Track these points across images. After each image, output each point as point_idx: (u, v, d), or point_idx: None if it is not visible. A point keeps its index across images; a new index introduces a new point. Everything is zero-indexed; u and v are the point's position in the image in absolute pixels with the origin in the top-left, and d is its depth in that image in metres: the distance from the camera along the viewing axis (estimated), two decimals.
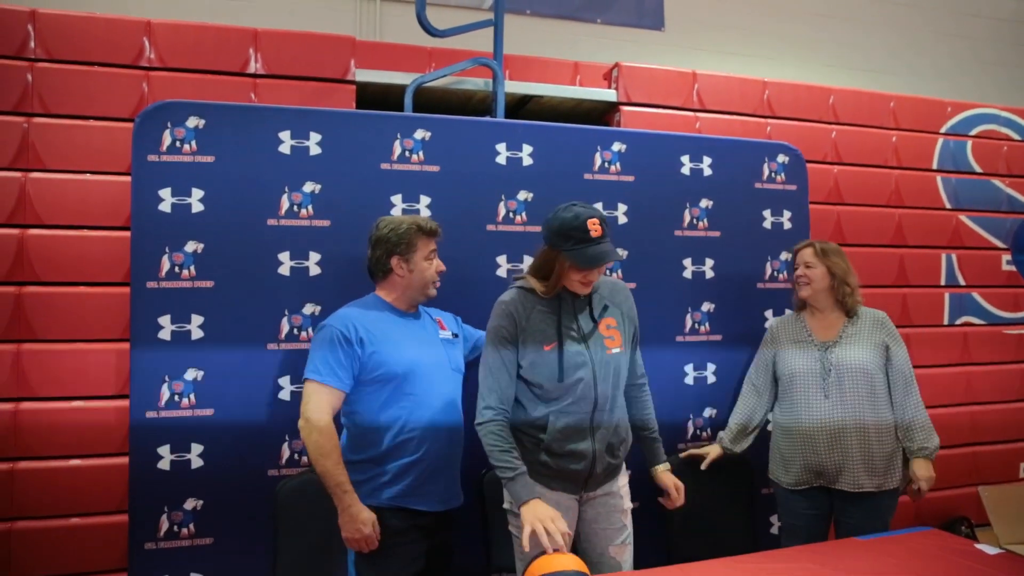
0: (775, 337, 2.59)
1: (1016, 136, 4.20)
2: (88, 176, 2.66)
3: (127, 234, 2.29)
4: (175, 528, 2.20)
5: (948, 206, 4.01)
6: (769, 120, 3.68)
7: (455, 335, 2.24)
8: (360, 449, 2.01)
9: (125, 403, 2.27)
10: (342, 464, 1.91)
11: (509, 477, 1.84)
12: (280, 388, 2.30)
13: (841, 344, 2.45)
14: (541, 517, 1.72)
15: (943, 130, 4.05)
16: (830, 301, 2.51)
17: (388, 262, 2.09)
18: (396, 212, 2.41)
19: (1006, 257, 4.04)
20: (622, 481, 2.07)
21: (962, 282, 3.98)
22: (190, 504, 2.22)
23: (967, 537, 3.42)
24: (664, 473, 2.17)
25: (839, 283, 2.48)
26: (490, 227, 2.50)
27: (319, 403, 1.93)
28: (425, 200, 2.45)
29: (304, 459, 2.30)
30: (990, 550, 1.98)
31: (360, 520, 1.89)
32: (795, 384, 2.46)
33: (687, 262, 2.74)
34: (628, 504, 2.07)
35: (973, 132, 4.11)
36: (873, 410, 2.38)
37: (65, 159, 2.65)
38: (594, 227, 1.86)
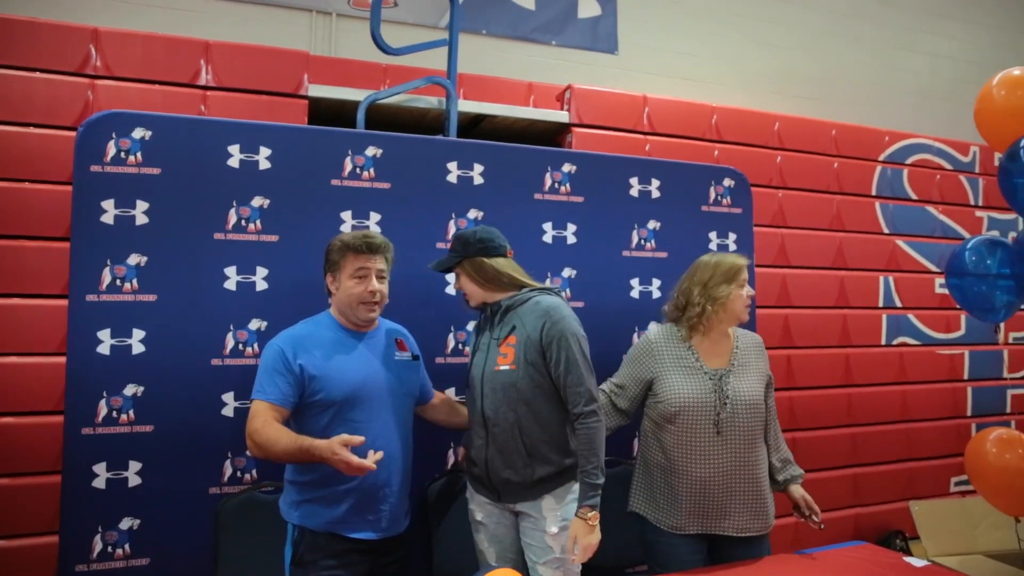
0: (656, 354, 2.22)
1: (948, 166, 4.42)
2: (26, 184, 2.58)
3: (66, 245, 2.24)
4: (109, 549, 2.13)
5: (886, 231, 4.18)
6: (717, 144, 3.79)
7: (415, 356, 2.17)
8: (301, 471, 1.95)
9: (59, 419, 2.19)
10: (290, 434, 1.82)
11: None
12: (224, 404, 2.26)
13: (734, 374, 2.18)
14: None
15: (881, 158, 4.23)
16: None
17: (325, 279, 2.06)
18: (346, 228, 2.41)
19: (939, 280, 4.23)
20: (545, 506, 2.02)
21: (899, 304, 4.15)
22: (126, 524, 2.15)
23: (901, 550, 3.55)
24: (575, 521, 1.97)
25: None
26: (440, 244, 2.51)
27: (256, 414, 1.87)
28: (375, 217, 2.45)
29: (246, 476, 2.27)
30: (917, 563, 2.07)
31: (328, 456, 1.73)
32: (684, 417, 2.12)
33: (634, 282, 2.80)
34: (552, 528, 2.00)
35: (909, 161, 4.30)
36: (760, 447, 2.20)
37: (2, 166, 2.57)
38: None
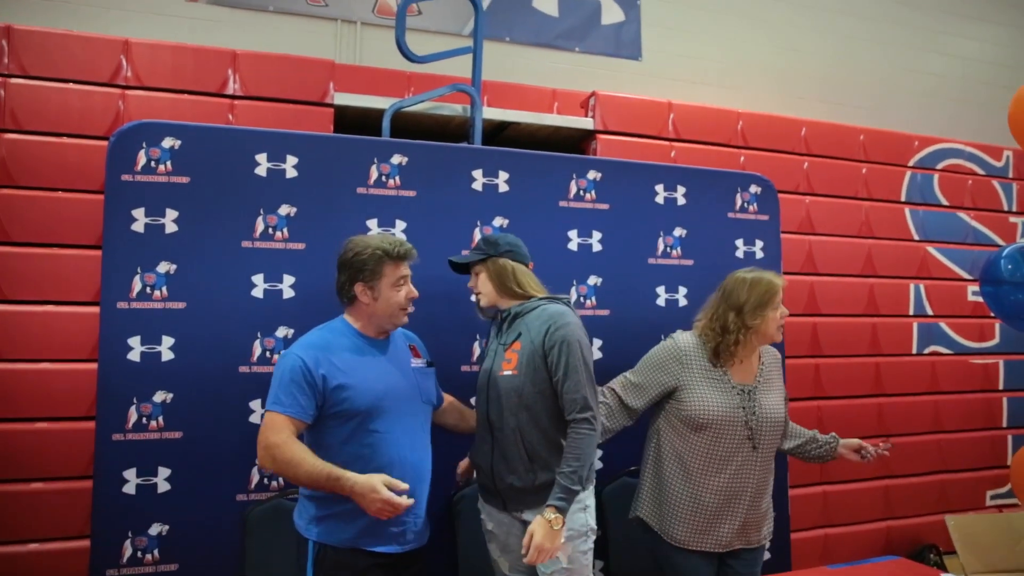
0: (685, 362, 2.18)
1: (980, 171, 4.33)
2: (60, 193, 2.63)
3: (98, 253, 2.27)
4: (139, 554, 2.15)
5: (916, 237, 4.10)
6: (743, 150, 3.75)
7: (430, 363, 2.12)
8: None
9: (91, 425, 2.22)
10: (318, 459, 1.78)
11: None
12: (251, 411, 2.27)
13: (760, 390, 2.18)
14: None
15: (911, 163, 4.16)
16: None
17: (352, 289, 1.96)
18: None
19: (972, 288, 4.14)
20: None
21: (930, 312, 4.06)
22: (155, 529, 2.18)
23: (935, 566, 3.47)
24: (537, 519, 1.90)
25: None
26: (465, 252, 2.49)
27: (275, 428, 1.81)
28: (401, 225, 2.46)
29: (274, 484, 2.28)
30: None
31: (367, 494, 1.73)
32: (714, 432, 2.10)
33: (660, 290, 2.78)
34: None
35: (939, 166, 4.22)
36: (774, 461, 2.22)
37: (37, 176, 2.62)
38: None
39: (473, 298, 2.17)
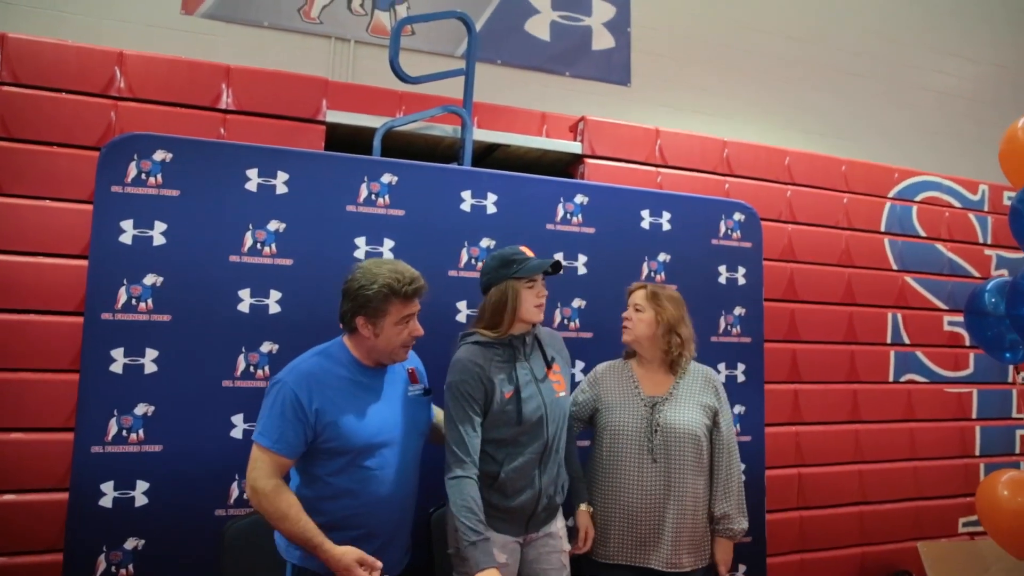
0: (599, 380, 2.34)
1: (957, 203, 4.43)
2: (47, 202, 2.62)
3: (83, 263, 2.27)
4: (113, 569, 2.13)
5: (894, 267, 4.18)
6: (728, 178, 3.81)
7: (427, 391, 2.06)
8: (308, 510, 1.84)
9: (69, 436, 2.21)
10: (303, 517, 1.77)
11: (471, 541, 1.86)
12: (233, 426, 2.27)
13: (671, 403, 2.23)
14: None
15: (890, 195, 4.25)
16: (657, 352, 2.28)
17: (354, 320, 1.88)
18: (359, 255, 2.43)
19: (948, 318, 4.22)
20: (560, 523, 2.16)
21: (907, 340, 4.13)
22: (131, 544, 2.15)
23: None
24: (582, 513, 2.23)
25: (666, 332, 2.25)
26: (452, 273, 2.53)
27: (264, 470, 1.78)
28: (389, 243, 2.48)
29: None
30: None
31: (341, 564, 1.75)
32: (618, 442, 2.20)
33: None
34: (566, 545, 2.15)
35: (918, 198, 4.32)
36: (696, 479, 2.19)
37: (24, 184, 2.61)
38: (526, 250, 2.08)
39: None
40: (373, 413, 1.90)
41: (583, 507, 2.22)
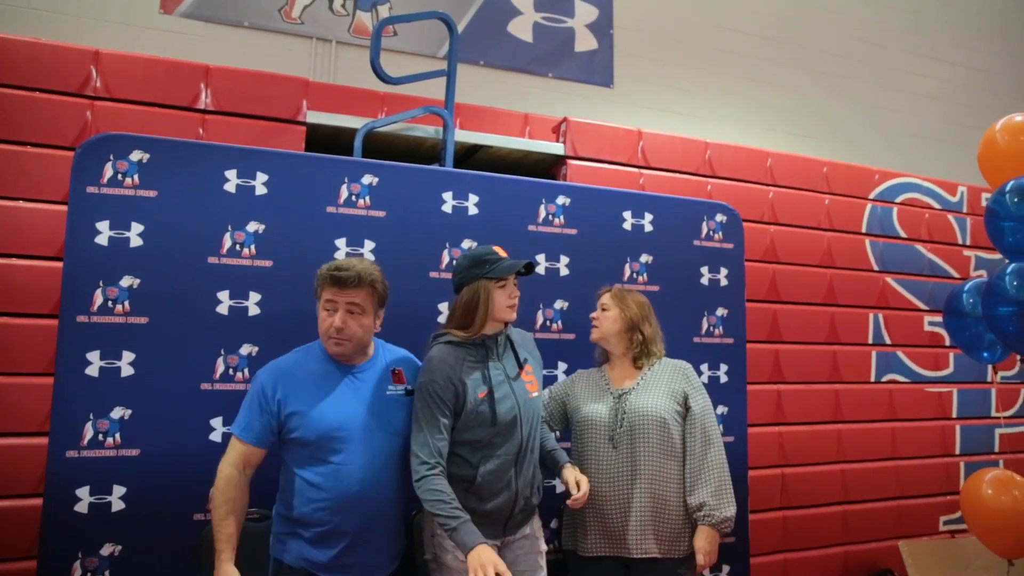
0: (574, 380, 2.46)
1: (936, 205, 4.48)
2: (21, 203, 2.58)
3: (57, 265, 2.23)
4: (88, 575, 2.09)
5: (876, 268, 4.22)
6: (710, 179, 3.83)
7: (409, 391, 2.03)
8: (285, 504, 1.93)
9: (43, 441, 2.17)
10: (228, 519, 1.83)
11: (453, 527, 1.85)
12: (212, 429, 2.24)
13: (636, 391, 2.29)
14: (485, 563, 1.75)
15: (871, 196, 4.29)
16: (622, 347, 2.37)
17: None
18: (340, 255, 2.41)
19: (928, 318, 4.26)
20: (537, 523, 2.16)
21: (888, 341, 4.17)
22: (107, 550, 2.12)
23: None
24: (568, 469, 2.17)
25: (630, 328, 2.34)
26: (433, 274, 2.52)
27: (230, 456, 1.89)
28: (369, 245, 2.46)
29: None
30: None
31: None
32: (587, 434, 2.29)
33: None
34: (543, 546, 2.15)
35: (898, 199, 4.36)
36: (665, 464, 2.21)
37: None
38: (500, 251, 2.06)
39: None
40: (334, 406, 1.92)
41: (568, 465, 2.19)
